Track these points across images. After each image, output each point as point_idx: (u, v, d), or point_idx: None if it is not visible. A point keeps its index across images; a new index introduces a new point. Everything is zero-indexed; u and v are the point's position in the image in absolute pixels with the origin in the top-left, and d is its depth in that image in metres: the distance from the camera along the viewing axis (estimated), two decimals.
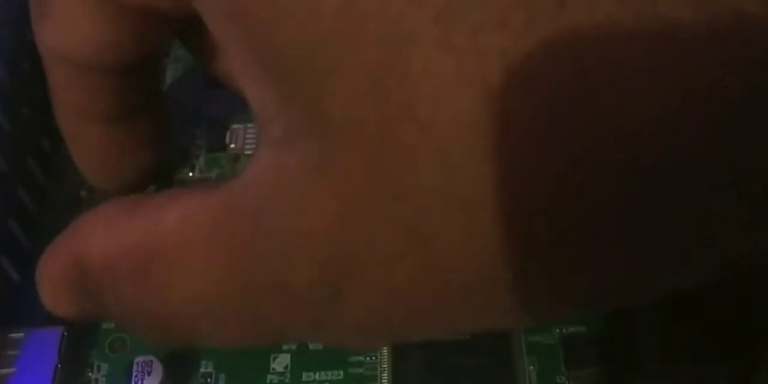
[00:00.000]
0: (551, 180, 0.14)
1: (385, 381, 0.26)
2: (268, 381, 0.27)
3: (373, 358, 0.27)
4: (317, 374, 0.27)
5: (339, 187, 0.15)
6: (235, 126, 0.32)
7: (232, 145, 0.32)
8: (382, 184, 0.14)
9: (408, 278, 0.15)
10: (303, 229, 0.15)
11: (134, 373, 0.26)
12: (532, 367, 0.26)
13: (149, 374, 0.26)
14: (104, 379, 0.27)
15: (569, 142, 0.13)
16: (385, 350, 0.27)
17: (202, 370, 0.27)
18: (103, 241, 0.19)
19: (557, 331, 0.27)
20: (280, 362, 0.27)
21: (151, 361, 0.26)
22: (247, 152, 0.31)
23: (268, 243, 0.16)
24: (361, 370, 0.27)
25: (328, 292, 0.16)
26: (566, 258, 0.15)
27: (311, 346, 0.27)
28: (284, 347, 0.27)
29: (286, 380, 0.27)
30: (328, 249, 0.15)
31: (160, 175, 0.29)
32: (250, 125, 0.32)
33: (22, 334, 0.26)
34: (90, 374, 0.27)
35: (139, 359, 0.26)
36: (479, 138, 0.14)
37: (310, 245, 0.15)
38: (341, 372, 0.27)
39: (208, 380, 0.27)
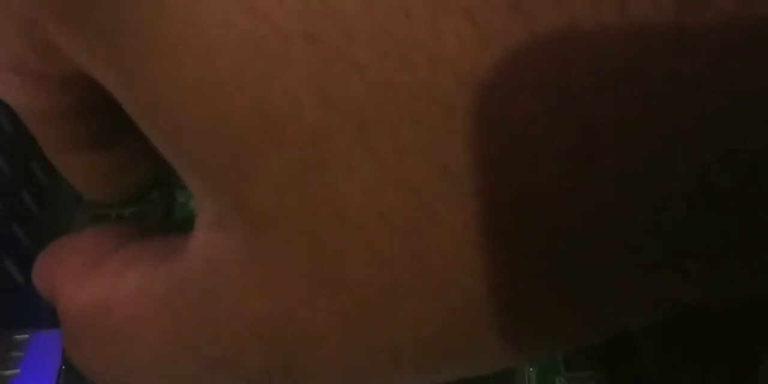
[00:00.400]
0: (478, 274, 0.14)
1: None
2: None
3: None
4: None
5: (272, 278, 0.15)
6: None
7: None
8: (315, 277, 0.15)
9: (359, 358, 0.16)
10: (244, 315, 0.16)
11: None
12: (531, 369, 0.27)
13: None
14: None
15: (498, 242, 0.14)
16: None
17: None
18: (69, 286, 0.19)
19: None
20: None
21: None
22: None
23: (215, 324, 0.16)
24: None
25: (281, 371, 0.16)
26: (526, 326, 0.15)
27: None
28: None
29: None
30: (273, 334, 0.16)
31: (161, 182, 0.29)
32: None
33: (26, 336, 0.26)
34: None
35: None
36: (406, 235, 0.14)
37: (254, 329, 0.16)
38: None
39: None
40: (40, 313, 0.28)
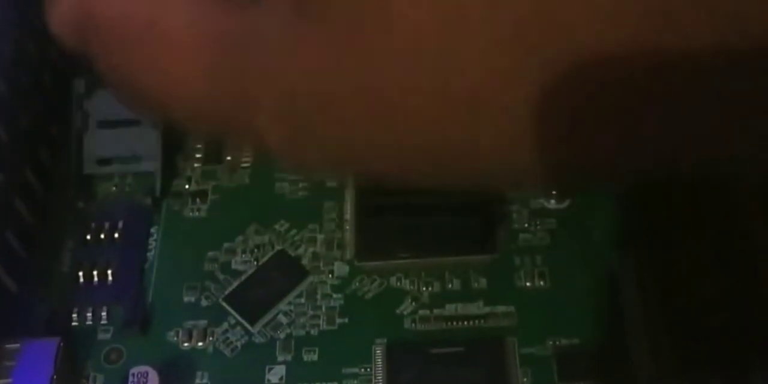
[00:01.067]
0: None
1: None
2: None
3: (368, 370, 0.27)
4: None
5: (308, 43, 0.16)
6: None
7: (228, 158, 0.32)
8: (347, 43, 0.16)
9: (370, 129, 0.16)
10: (268, 75, 0.17)
11: None
12: (525, 379, 0.27)
13: None
14: None
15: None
16: (379, 362, 0.27)
17: (198, 381, 0.27)
18: None
19: (551, 343, 0.27)
20: (276, 373, 0.27)
21: (147, 372, 0.26)
22: (243, 165, 0.32)
23: (240, 77, 0.17)
24: (355, 382, 0.27)
25: (286, 135, 0.17)
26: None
27: (306, 358, 0.27)
28: (279, 359, 0.27)
29: None
30: (288, 96, 0.17)
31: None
32: None
33: (18, 345, 0.26)
34: None
35: (135, 370, 0.26)
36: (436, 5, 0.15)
37: (272, 88, 0.17)
38: (335, 383, 0.27)
39: None
40: (33, 322, 0.28)
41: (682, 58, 0.14)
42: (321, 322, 0.28)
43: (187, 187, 0.31)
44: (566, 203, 0.30)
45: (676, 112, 0.15)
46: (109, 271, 0.29)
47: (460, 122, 0.16)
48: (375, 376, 0.27)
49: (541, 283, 0.28)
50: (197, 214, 0.31)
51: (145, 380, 0.26)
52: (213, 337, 0.28)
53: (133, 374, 0.26)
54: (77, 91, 0.33)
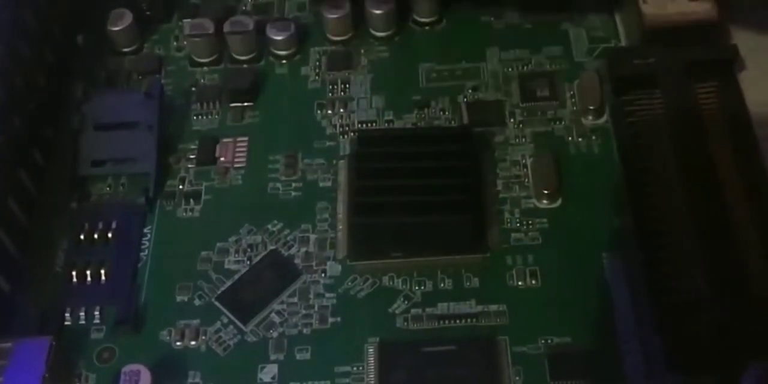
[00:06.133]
0: None
1: None
2: None
3: (360, 368, 0.27)
4: None
5: None
6: (224, 140, 0.33)
7: (222, 159, 0.32)
8: None
9: None
10: None
11: (122, 383, 0.26)
12: (517, 378, 0.27)
13: (137, 383, 0.26)
14: None
15: None
16: (372, 361, 0.27)
17: (190, 380, 0.27)
18: None
19: (542, 341, 0.27)
20: (268, 372, 0.27)
21: (139, 371, 0.26)
22: (236, 165, 0.32)
23: None
24: (347, 381, 0.27)
25: None
26: None
27: (298, 357, 0.27)
28: (272, 357, 0.27)
29: None
30: None
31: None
32: (239, 139, 0.32)
33: (10, 344, 0.26)
34: None
35: (127, 368, 0.26)
36: None
37: None
38: (328, 382, 0.27)
39: None
40: (25, 322, 0.28)
41: None
42: (313, 321, 0.28)
43: (180, 187, 0.32)
44: (558, 203, 0.30)
45: None
46: (102, 271, 0.29)
47: None
48: (367, 375, 0.27)
49: (533, 282, 0.29)
50: (190, 214, 0.31)
51: (137, 378, 0.26)
52: (206, 336, 0.28)
53: (125, 373, 0.26)
54: (75, 94, 0.34)
